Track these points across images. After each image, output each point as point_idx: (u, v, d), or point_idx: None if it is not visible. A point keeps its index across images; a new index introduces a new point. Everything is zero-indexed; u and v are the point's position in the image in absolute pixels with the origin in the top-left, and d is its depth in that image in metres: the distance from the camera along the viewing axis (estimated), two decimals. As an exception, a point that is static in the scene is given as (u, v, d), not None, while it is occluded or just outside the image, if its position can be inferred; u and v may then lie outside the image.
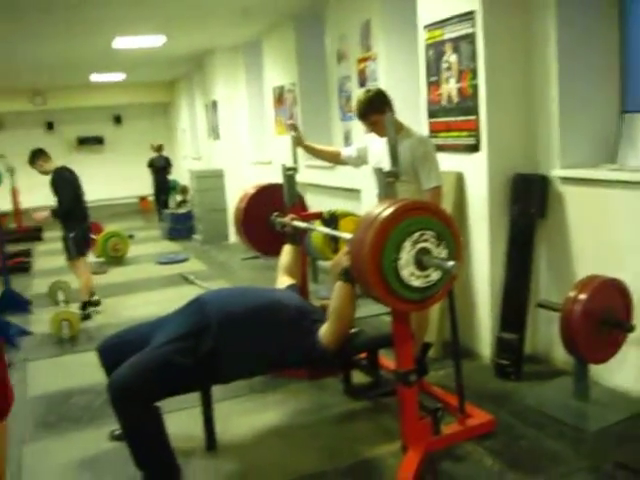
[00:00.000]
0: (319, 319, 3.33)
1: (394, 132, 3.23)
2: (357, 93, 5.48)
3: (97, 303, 6.66)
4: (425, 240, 2.75)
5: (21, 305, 6.83)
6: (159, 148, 13.60)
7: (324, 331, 3.23)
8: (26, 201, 12.75)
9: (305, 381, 4.24)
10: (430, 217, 2.81)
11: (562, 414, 3.59)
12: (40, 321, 6.37)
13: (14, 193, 13.06)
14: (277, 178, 5.48)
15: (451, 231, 2.86)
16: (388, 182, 3.10)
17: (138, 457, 3.04)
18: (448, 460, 3.21)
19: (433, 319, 4.41)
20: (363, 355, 3.95)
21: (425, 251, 2.76)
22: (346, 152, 4.40)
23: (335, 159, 4.50)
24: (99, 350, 3.47)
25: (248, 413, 3.94)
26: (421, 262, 2.75)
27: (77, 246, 6.50)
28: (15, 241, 11.43)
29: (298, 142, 4.36)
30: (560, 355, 4.18)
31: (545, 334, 4.29)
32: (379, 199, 3.24)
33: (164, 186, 13.67)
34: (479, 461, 3.20)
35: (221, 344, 3.12)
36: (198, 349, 3.09)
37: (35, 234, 12.20)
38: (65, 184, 6.42)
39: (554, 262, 4.18)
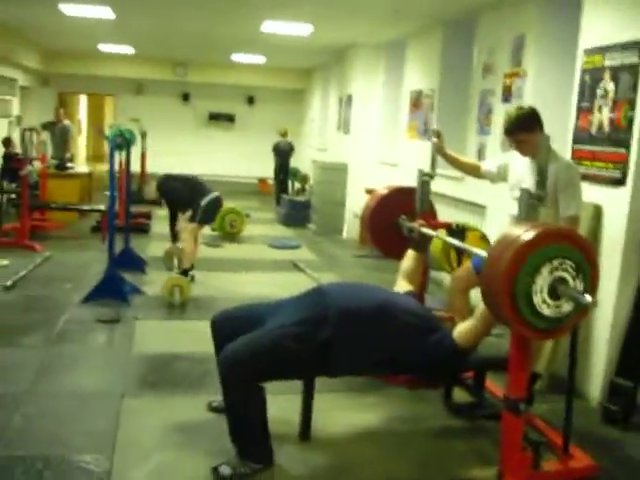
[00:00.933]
0: (436, 326, 3.30)
1: (547, 155, 3.12)
2: (507, 108, 5.35)
3: (192, 278, 6.73)
4: (564, 269, 2.66)
5: (138, 264, 7.08)
6: (285, 133, 13.80)
7: (462, 329, 3.23)
8: (151, 165, 13.26)
9: (404, 388, 4.20)
10: (573, 247, 2.71)
11: (671, 474, 3.40)
12: (153, 282, 6.58)
13: (143, 157, 13.57)
14: (402, 181, 5.47)
15: (591, 265, 2.75)
16: (532, 204, 3.00)
17: (236, 432, 3.10)
18: (544, 498, 3.10)
19: (545, 350, 4.27)
20: (469, 374, 3.88)
21: (562, 280, 2.67)
22: (486, 166, 4.30)
23: (474, 172, 4.40)
24: (213, 322, 3.52)
25: (344, 410, 3.93)
26: (555, 291, 2.67)
27: (205, 214, 6.74)
28: (137, 202, 11.86)
29: (439, 149, 4.29)
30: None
31: (662, 387, 4.07)
32: (518, 220, 3.15)
33: (286, 170, 13.86)
34: (576, 506, 3.07)
35: (337, 337, 3.11)
36: (313, 338, 3.10)
37: (156, 199, 12.62)
38: (168, 193, 6.88)
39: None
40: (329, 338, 3.10)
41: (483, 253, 3.18)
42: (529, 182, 3.68)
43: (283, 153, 13.80)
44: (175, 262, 6.91)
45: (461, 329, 3.26)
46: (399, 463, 3.34)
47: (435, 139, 4.26)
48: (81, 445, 3.30)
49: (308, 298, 3.40)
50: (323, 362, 3.16)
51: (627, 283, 4.08)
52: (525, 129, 3.73)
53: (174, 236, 7.08)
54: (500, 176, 4.13)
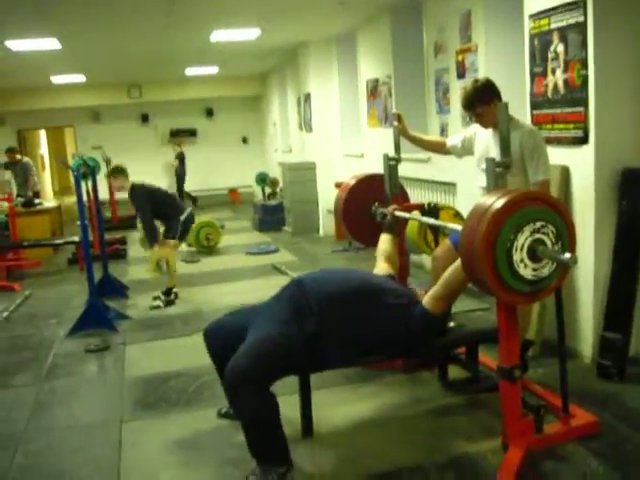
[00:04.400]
0: (415, 300, 3.35)
1: (507, 123, 3.15)
2: (463, 84, 5.39)
3: (176, 295, 6.71)
4: (545, 233, 2.70)
5: (119, 290, 7.03)
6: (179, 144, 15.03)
7: (427, 296, 3.26)
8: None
9: (400, 374, 4.22)
10: (549, 210, 2.76)
11: (671, 419, 3.44)
12: (136, 306, 6.57)
13: (110, 183, 13.47)
14: (369, 170, 5.47)
15: (568, 225, 2.79)
16: (499, 172, 3.03)
17: (255, 442, 3.05)
18: (550, 460, 3.11)
19: (534, 317, 4.30)
20: (461, 350, 3.91)
21: (540, 242, 2.70)
22: (451, 141, 4.34)
23: (440, 149, 4.44)
24: (205, 334, 3.56)
25: (343, 403, 3.94)
26: (535, 252, 2.70)
27: (184, 229, 6.75)
28: (111, 229, 11.81)
29: (402, 132, 4.32)
30: (667, 358, 4.02)
31: (651, 336, 4.13)
32: (488, 190, 3.17)
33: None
34: (583, 462, 3.08)
35: (323, 324, 3.16)
36: (303, 331, 3.15)
37: (129, 222, 12.55)
38: (141, 201, 6.61)
39: (664, 261, 4.00)
40: (316, 328, 3.15)
41: (459, 227, 3.21)
42: (495, 153, 3.71)
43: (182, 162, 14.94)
44: (164, 266, 6.79)
45: (429, 295, 3.29)
46: (405, 449, 3.34)
47: (396, 122, 4.29)
48: (86, 477, 3.27)
49: (288, 292, 3.42)
50: (319, 353, 3.19)
51: (603, 238, 4.12)
52: (482, 101, 3.78)
53: (152, 238, 6.69)
54: (465, 150, 4.17)
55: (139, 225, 7.15)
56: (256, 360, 3.02)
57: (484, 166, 3.60)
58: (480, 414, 3.65)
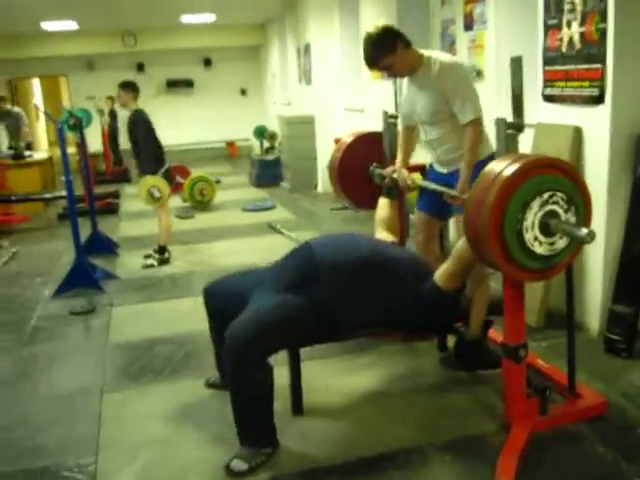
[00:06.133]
0: (429, 272, 3.14)
1: (520, 79, 2.85)
2: (472, 37, 5.04)
3: (168, 254, 6.47)
4: (555, 202, 2.44)
5: (108, 247, 6.82)
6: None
7: (439, 271, 3.06)
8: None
9: (398, 344, 4.01)
10: (562, 177, 2.48)
11: (683, 400, 3.24)
12: (126, 265, 6.36)
13: (104, 134, 13.17)
14: (370, 126, 5.20)
15: (584, 195, 2.53)
16: (509, 134, 2.76)
17: (245, 417, 2.89)
18: (555, 443, 2.92)
19: (538, 285, 4.08)
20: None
21: (553, 214, 2.45)
22: (405, 123, 3.80)
23: (416, 140, 3.88)
24: (205, 293, 3.38)
25: (337, 375, 3.74)
26: (547, 227, 2.45)
27: (167, 176, 6.39)
28: (104, 182, 11.56)
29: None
30: (679, 333, 3.81)
31: (663, 309, 3.90)
32: (498, 154, 2.90)
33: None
34: (590, 447, 2.89)
35: (333, 292, 2.97)
36: (311, 298, 2.95)
37: (123, 176, 12.31)
38: (146, 125, 6.23)
39: (680, 230, 3.76)
40: (326, 295, 2.96)
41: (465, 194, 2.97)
42: (420, 104, 3.45)
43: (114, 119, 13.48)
44: (156, 193, 6.18)
45: (439, 272, 3.08)
46: (400, 428, 3.14)
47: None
48: (64, 452, 3.08)
49: (297, 257, 3.23)
50: (325, 324, 3.01)
51: (616, 206, 3.87)
52: (385, 53, 3.36)
53: (148, 165, 6.27)
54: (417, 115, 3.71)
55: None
56: (261, 326, 2.82)
57: (423, 119, 3.46)
58: (481, 391, 3.45)
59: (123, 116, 7.59)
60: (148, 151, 6.20)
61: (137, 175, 6.57)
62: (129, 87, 6.31)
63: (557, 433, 2.98)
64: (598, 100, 3.77)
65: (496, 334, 3.61)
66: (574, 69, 3.93)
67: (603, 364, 3.70)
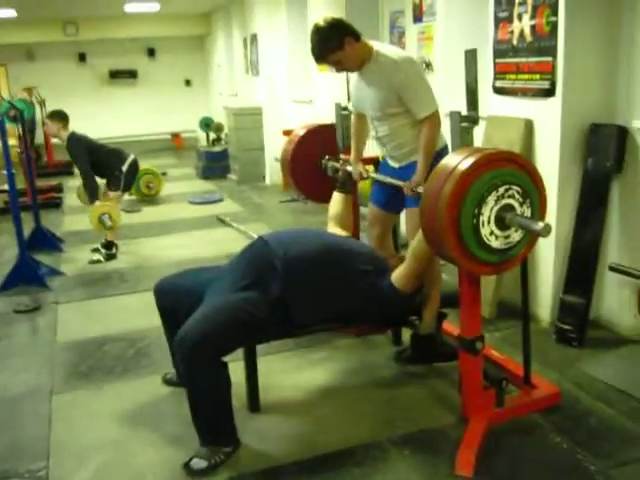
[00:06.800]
0: (386, 268, 3.13)
1: (475, 72, 2.85)
2: (421, 28, 5.00)
3: (116, 248, 6.37)
4: (510, 196, 2.44)
5: (53, 243, 6.61)
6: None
7: (397, 272, 3.03)
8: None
9: (352, 337, 4.00)
10: (518, 170, 2.49)
11: (633, 389, 3.28)
12: (72, 260, 6.20)
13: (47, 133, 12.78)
14: (319, 118, 5.16)
15: (539, 188, 2.54)
16: (464, 127, 2.76)
17: (203, 417, 2.83)
18: (512, 435, 2.94)
19: (490, 277, 4.11)
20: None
21: (509, 208, 2.46)
22: (356, 114, 3.77)
23: (367, 132, 3.83)
24: (156, 291, 3.29)
25: (293, 370, 3.71)
26: (503, 220, 2.45)
27: (127, 179, 6.39)
28: (46, 175, 11.24)
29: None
30: (627, 322, 3.89)
31: (612, 299, 3.98)
32: (453, 147, 2.90)
33: None
34: (545, 437, 2.92)
35: (289, 288, 2.91)
36: (267, 294, 2.90)
37: (66, 169, 11.99)
38: (79, 150, 6.14)
39: (628, 222, 3.82)
40: (282, 292, 2.91)
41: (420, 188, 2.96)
42: (370, 99, 3.42)
43: None
44: (107, 221, 6.15)
45: (397, 273, 3.06)
46: (358, 423, 3.13)
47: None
48: (13, 457, 2.96)
49: (252, 252, 3.17)
50: (282, 320, 2.95)
51: (566, 197, 3.93)
52: (333, 48, 3.29)
53: (92, 195, 6.24)
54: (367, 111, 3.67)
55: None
56: (214, 326, 2.75)
57: (372, 113, 3.42)
58: (437, 383, 3.46)
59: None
60: (104, 171, 6.23)
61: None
62: (56, 117, 6.18)
63: (513, 424, 3.01)
64: (549, 93, 3.81)
65: (451, 327, 3.63)
66: (525, 62, 3.96)
67: (555, 354, 3.75)
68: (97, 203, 6.10)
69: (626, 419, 3.04)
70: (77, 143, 6.12)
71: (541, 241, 3.94)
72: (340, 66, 3.41)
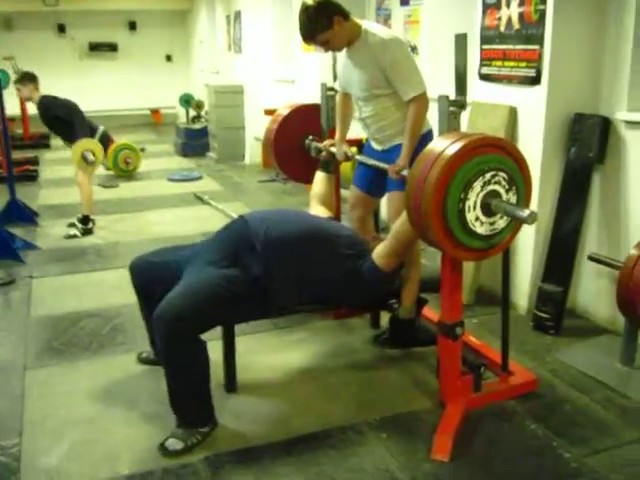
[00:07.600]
0: (365, 251, 3.11)
1: (465, 57, 2.83)
2: (408, 12, 4.98)
3: (93, 223, 6.28)
4: (497, 182, 2.43)
5: (28, 217, 6.51)
6: None
7: (377, 250, 3.02)
8: (31, 106, 12.30)
9: (330, 319, 3.99)
10: (505, 157, 2.48)
11: (608, 378, 3.32)
12: (47, 235, 6.11)
13: (22, 99, 12.57)
14: (301, 98, 5.11)
15: (524, 175, 2.54)
16: (452, 112, 2.74)
17: (180, 396, 2.80)
18: (489, 420, 2.96)
19: (470, 262, 4.12)
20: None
21: (495, 194, 2.45)
22: (341, 92, 3.76)
23: (352, 110, 3.80)
24: (131, 269, 3.23)
25: (270, 351, 3.69)
26: (489, 206, 2.45)
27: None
28: (21, 148, 11.07)
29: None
30: (603, 312, 3.91)
31: (589, 288, 4.01)
32: (440, 132, 2.88)
33: None
34: (521, 424, 2.94)
35: (268, 268, 2.88)
36: (246, 274, 2.87)
37: (43, 141, 11.82)
38: (59, 103, 6.08)
39: (608, 212, 3.83)
40: (261, 272, 2.87)
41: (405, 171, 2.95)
42: (356, 79, 3.40)
43: None
44: (90, 156, 6.04)
45: (378, 251, 3.05)
46: (335, 405, 3.12)
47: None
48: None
49: (231, 231, 3.13)
50: (262, 300, 2.92)
51: (548, 186, 3.94)
52: (322, 28, 3.24)
53: (77, 135, 6.12)
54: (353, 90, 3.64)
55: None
56: (193, 302, 2.71)
57: (359, 94, 3.40)
58: (414, 368, 3.46)
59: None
60: (76, 118, 6.04)
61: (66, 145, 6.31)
62: (26, 79, 6.09)
63: (490, 410, 3.03)
64: (534, 81, 3.81)
65: (430, 312, 3.63)
66: (512, 49, 3.95)
67: (532, 341, 3.77)
68: (78, 142, 6.00)
69: (600, 407, 3.07)
70: (54, 100, 6.06)
71: (521, 229, 3.99)
72: (327, 46, 3.37)
